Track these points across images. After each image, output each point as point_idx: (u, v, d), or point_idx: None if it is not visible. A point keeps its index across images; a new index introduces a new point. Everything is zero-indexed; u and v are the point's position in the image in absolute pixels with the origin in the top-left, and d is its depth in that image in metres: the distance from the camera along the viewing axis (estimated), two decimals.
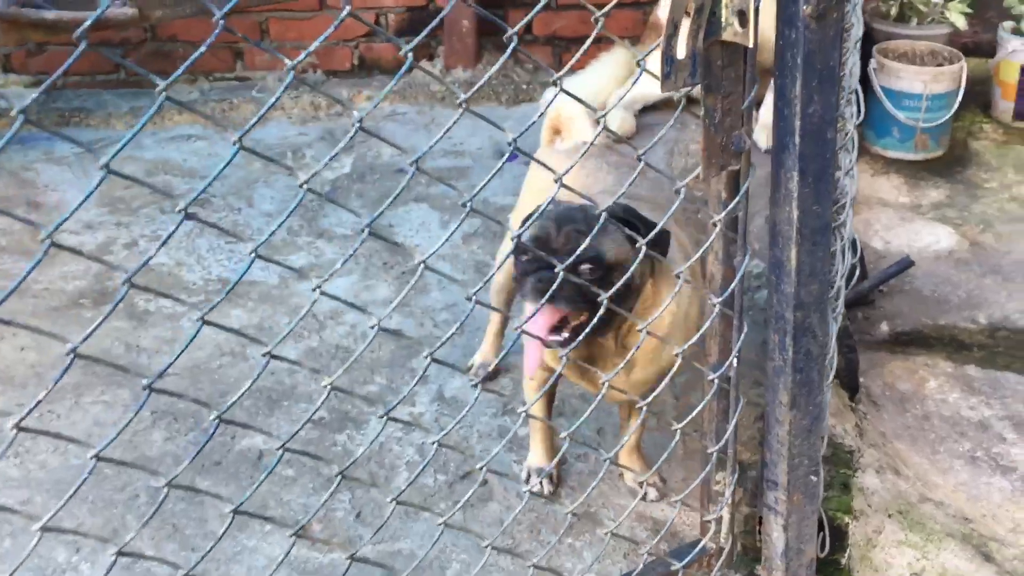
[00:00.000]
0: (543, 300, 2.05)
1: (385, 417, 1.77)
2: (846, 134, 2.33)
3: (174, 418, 3.08)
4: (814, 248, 2.01)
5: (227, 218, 4.14)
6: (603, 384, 2.05)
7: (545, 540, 2.63)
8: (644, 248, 1.94)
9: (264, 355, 1.54)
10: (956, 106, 4.80)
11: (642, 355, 2.34)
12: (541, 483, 2.73)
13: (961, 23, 4.99)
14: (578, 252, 1.94)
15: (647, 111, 4.60)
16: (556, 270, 1.82)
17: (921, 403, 3.36)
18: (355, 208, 4.17)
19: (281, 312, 3.58)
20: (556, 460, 2.78)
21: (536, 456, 2.77)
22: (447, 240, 1.78)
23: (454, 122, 1.60)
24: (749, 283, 3.53)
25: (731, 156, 1.91)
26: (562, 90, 1.67)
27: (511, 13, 5.20)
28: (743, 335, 2.12)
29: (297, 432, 1.74)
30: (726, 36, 1.80)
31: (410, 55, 1.47)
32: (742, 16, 1.77)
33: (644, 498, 2.71)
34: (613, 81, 4.62)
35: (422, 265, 1.67)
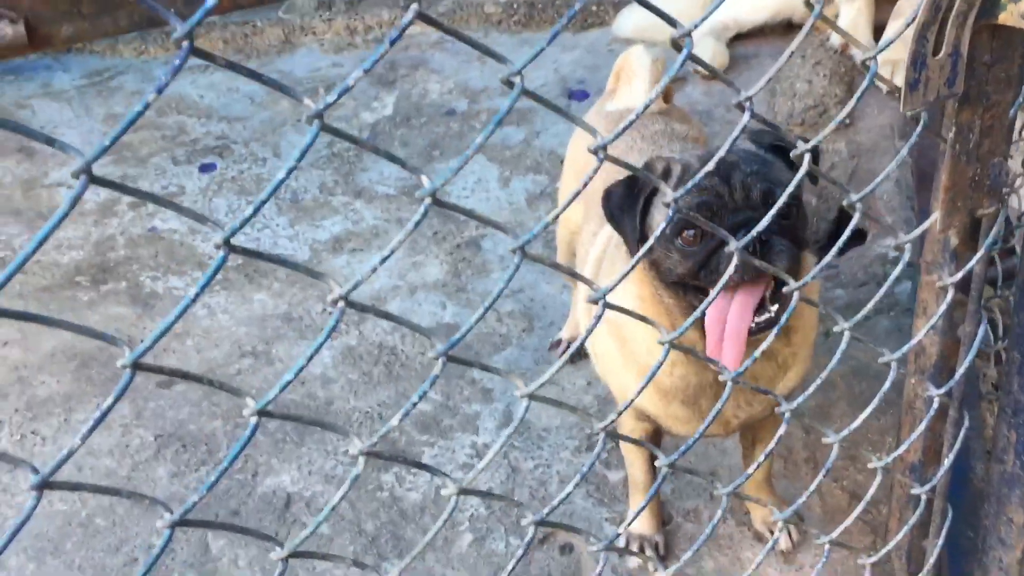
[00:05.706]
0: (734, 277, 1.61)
1: (457, 494, 1.11)
2: None
3: (182, 445, 2.52)
4: None
5: (250, 171, 3.50)
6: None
7: None
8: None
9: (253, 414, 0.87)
10: None
11: (802, 332, 1.87)
12: (646, 554, 2.15)
13: None
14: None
15: (739, 40, 3.90)
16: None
17: None
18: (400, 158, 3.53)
19: (313, 297, 2.97)
20: (662, 525, 2.20)
21: (638, 520, 2.19)
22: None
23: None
24: (885, 270, 2.88)
25: (984, 196, 1.26)
26: None
27: None
28: (963, 430, 1.49)
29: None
30: (1003, 19, 1.14)
31: None
32: None
33: (775, 546, 2.14)
34: (698, 4, 3.90)
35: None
